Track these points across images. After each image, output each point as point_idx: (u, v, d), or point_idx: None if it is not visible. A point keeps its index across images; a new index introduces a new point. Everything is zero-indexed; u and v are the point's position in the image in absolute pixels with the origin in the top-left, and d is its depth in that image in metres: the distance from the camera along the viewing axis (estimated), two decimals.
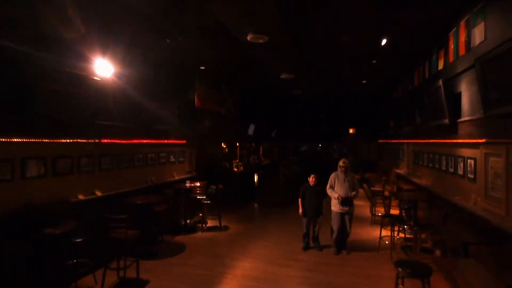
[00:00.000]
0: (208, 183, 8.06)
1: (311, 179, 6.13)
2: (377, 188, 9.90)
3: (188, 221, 7.85)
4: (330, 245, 6.11)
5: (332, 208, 6.00)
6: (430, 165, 6.43)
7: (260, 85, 10.12)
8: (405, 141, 8.96)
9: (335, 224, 5.95)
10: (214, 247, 6.33)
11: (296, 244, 6.32)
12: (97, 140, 5.31)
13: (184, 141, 8.32)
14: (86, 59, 4.85)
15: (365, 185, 12.48)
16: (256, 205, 10.60)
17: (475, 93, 4.39)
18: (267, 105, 13.54)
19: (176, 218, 7.56)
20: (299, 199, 6.21)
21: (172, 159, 7.84)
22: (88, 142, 5.15)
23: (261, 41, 5.31)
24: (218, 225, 7.55)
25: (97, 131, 5.32)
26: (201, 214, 7.63)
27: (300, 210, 6.19)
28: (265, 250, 6.17)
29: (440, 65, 5.64)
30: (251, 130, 12.51)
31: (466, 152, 4.68)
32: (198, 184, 7.76)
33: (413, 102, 7.63)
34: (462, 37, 4.64)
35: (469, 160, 4.54)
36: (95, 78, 5.08)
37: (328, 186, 6.05)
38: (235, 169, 11.45)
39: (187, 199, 7.60)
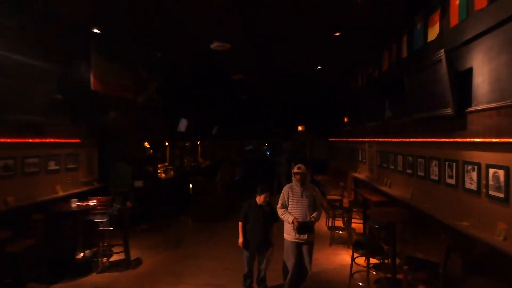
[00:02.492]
0: (114, 198, 5.72)
1: (262, 198, 4.22)
2: (334, 195, 8.43)
3: (81, 255, 5.44)
4: (282, 287, 4.28)
5: (285, 235, 4.19)
6: (409, 171, 4.94)
7: (191, 65, 7.82)
8: (366, 139, 7.54)
9: (289, 258, 4.15)
10: None
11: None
12: None
13: (78, 140, 5.82)
14: None
15: (316, 189, 11.10)
16: (188, 221, 8.37)
17: (504, 65, 2.85)
18: (204, 96, 11.32)
19: (58, 255, 5.10)
20: (240, 223, 4.32)
21: (52, 166, 5.30)
22: None
23: None
24: (126, 259, 5.26)
25: None
26: (101, 245, 5.28)
27: (240, 240, 4.29)
28: None
29: (433, 34, 4.08)
30: (182, 125, 10.21)
31: (483, 156, 3.14)
32: (95, 202, 5.37)
33: (381, 91, 6.15)
34: None
35: (491, 170, 2.99)
36: None
37: (279, 204, 4.23)
38: (163, 175, 9.09)
39: (76, 224, 5.19)
